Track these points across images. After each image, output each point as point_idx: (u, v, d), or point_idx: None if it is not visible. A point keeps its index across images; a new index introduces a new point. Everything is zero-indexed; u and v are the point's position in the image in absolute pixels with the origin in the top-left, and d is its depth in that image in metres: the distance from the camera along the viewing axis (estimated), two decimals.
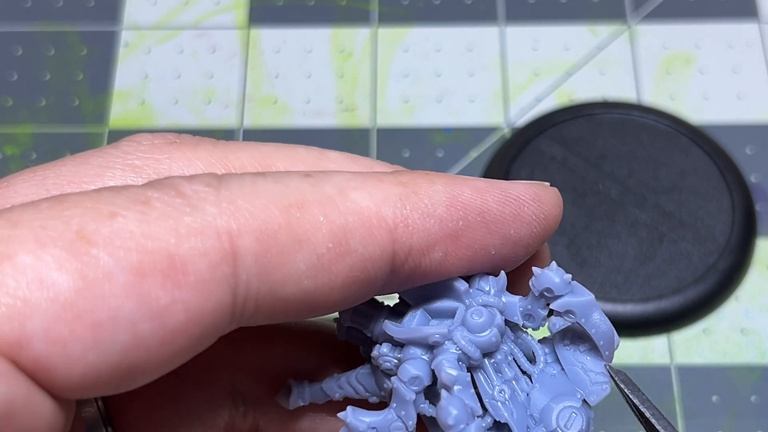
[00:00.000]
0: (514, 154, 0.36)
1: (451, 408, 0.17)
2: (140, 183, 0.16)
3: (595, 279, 0.33)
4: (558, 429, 0.18)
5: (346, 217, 0.16)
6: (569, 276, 0.18)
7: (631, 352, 0.33)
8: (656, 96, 0.38)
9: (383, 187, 0.17)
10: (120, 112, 0.38)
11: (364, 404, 0.20)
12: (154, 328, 0.15)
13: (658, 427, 0.18)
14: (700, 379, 0.32)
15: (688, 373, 0.32)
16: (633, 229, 0.34)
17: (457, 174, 0.23)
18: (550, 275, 0.18)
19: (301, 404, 0.21)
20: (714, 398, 0.32)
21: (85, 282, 0.14)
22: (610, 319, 0.35)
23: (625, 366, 0.32)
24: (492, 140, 0.37)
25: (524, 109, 0.38)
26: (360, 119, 0.38)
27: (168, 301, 0.15)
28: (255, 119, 0.38)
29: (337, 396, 0.20)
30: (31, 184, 0.17)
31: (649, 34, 0.39)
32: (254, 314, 0.16)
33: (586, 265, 0.33)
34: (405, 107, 0.38)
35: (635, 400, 0.19)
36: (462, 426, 0.17)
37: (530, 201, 0.18)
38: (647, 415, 0.18)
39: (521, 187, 0.18)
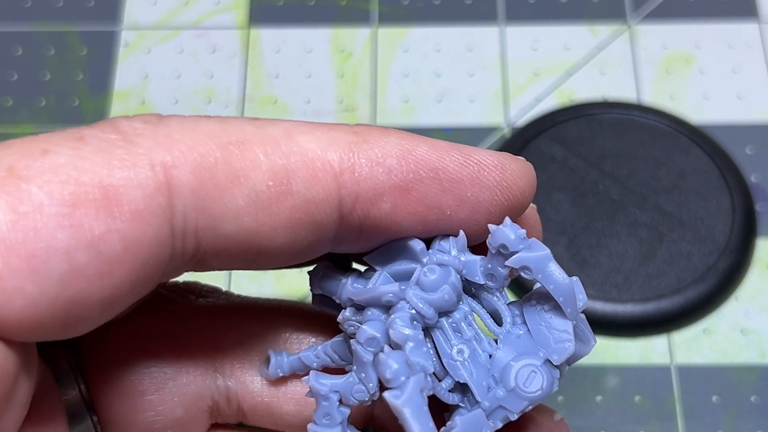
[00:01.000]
0: (513, 154, 0.36)
1: (390, 361, 0.16)
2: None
3: (595, 279, 0.33)
4: (516, 387, 0.17)
5: (288, 157, 0.16)
6: (524, 231, 0.17)
7: (631, 352, 0.33)
8: (656, 96, 0.38)
9: (333, 135, 0.17)
10: (120, 112, 0.38)
11: (341, 373, 0.20)
12: (90, 257, 0.15)
13: None
14: (700, 379, 0.32)
15: (688, 373, 0.32)
16: (633, 229, 0.34)
17: None
18: (504, 231, 0.17)
19: (281, 374, 0.21)
20: (714, 398, 0.32)
21: (16, 215, 0.14)
22: (610, 319, 0.35)
23: (625, 366, 0.32)
24: (492, 140, 0.37)
25: (524, 109, 0.38)
26: (360, 119, 0.38)
27: (102, 230, 0.15)
28: None
29: (315, 365, 0.20)
30: None
31: (649, 34, 0.39)
32: (197, 250, 0.16)
33: (586, 265, 0.33)
34: (405, 107, 0.38)
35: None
36: (402, 379, 0.16)
37: (492, 167, 0.18)
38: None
39: (485, 153, 0.18)
